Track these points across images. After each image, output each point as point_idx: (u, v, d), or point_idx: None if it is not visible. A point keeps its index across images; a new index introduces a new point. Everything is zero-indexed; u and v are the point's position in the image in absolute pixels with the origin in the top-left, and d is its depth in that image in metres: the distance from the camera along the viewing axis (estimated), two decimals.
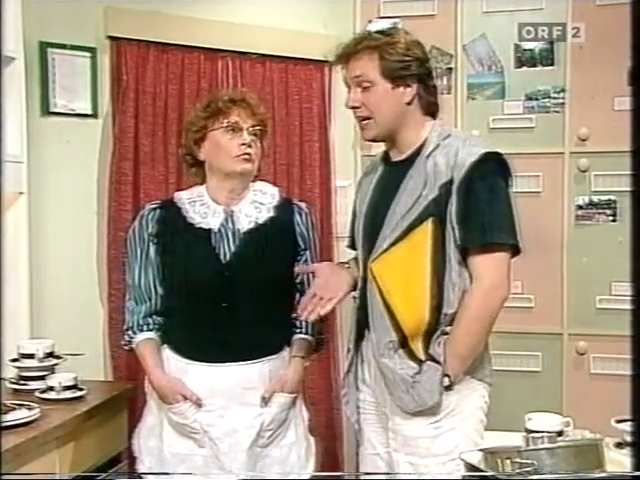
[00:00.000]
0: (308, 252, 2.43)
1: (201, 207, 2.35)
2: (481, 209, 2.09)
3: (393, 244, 2.14)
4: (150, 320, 2.37)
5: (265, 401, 2.31)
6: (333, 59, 2.26)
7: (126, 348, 2.44)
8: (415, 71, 2.17)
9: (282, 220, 2.39)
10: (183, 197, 2.39)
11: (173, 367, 2.32)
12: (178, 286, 2.32)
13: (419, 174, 2.15)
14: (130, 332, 2.38)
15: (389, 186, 2.22)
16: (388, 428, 2.22)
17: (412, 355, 2.13)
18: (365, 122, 2.22)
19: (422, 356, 2.13)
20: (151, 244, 2.35)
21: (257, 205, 2.37)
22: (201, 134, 2.33)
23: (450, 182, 2.09)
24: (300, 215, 2.43)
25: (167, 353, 2.34)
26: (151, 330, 2.37)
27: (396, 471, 2.18)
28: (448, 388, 2.12)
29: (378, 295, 2.16)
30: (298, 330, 2.41)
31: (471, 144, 2.14)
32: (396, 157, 2.26)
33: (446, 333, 2.13)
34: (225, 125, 2.30)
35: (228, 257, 2.30)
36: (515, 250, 2.14)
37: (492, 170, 2.12)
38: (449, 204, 2.09)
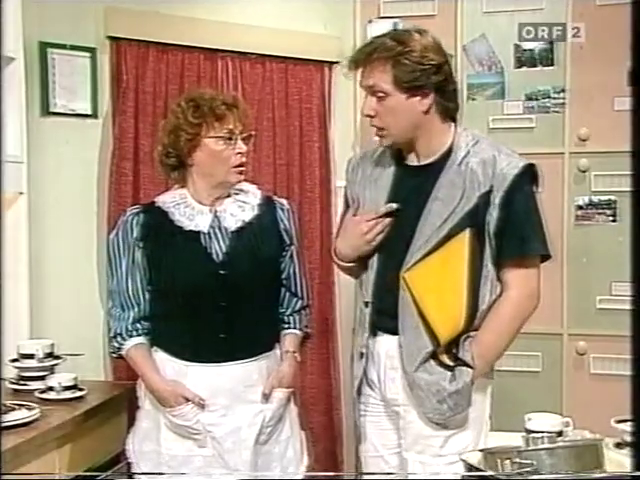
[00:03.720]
0: (293, 247, 2.44)
1: (186, 209, 2.32)
2: (520, 221, 2.12)
3: (428, 254, 2.12)
4: (139, 325, 2.34)
5: (266, 397, 2.32)
6: (346, 64, 2.20)
7: (114, 356, 2.41)
8: (431, 80, 2.10)
9: (266, 217, 2.39)
10: (167, 200, 2.35)
11: (170, 370, 2.30)
12: (172, 289, 2.29)
13: (453, 183, 2.12)
14: (119, 339, 2.34)
15: (413, 192, 2.18)
16: (399, 428, 2.21)
17: (442, 363, 2.13)
18: (380, 132, 2.19)
19: (450, 362, 2.13)
20: (137, 249, 2.31)
21: (240, 204, 2.36)
22: (194, 141, 2.27)
23: (488, 192, 2.09)
24: (282, 211, 2.43)
25: (161, 357, 2.33)
26: (140, 335, 2.34)
27: (406, 471, 2.18)
28: None
29: (412, 305, 2.13)
30: (287, 325, 2.44)
31: (507, 154, 2.15)
32: (414, 161, 2.22)
33: (469, 336, 2.14)
34: (222, 134, 2.27)
35: (221, 257, 2.30)
36: (545, 257, 2.19)
37: (530, 182, 2.16)
38: (487, 214, 2.10)
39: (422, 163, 2.20)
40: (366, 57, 2.13)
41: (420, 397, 2.14)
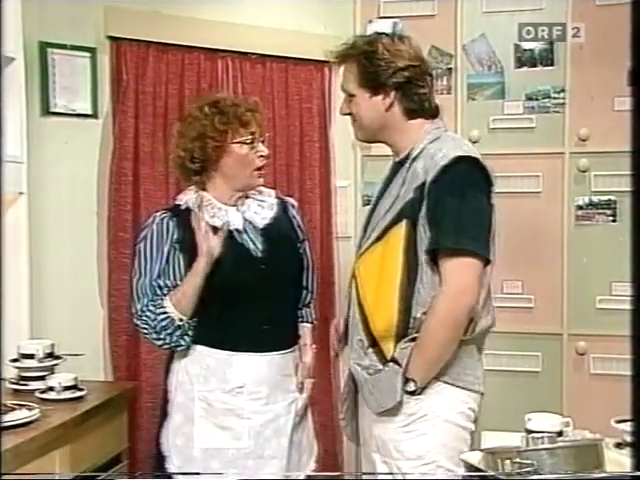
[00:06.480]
0: (306, 242, 2.56)
1: (213, 210, 2.35)
2: (448, 213, 2.05)
3: (372, 244, 2.17)
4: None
5: (301, 387, 2.43)
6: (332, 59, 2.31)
7: (138, 315, 2.33)
8: (390, 81, 2.17)
9: (283, 216, 2.49)
10: (193, 202, 2.37)
11: (213, 362, 2.33)
12: (215, 285, 2.29)
13: (402, 178, 2.17)
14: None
15: (386, 187, 2.26)
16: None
17: (382, 355, 2.13)
18: (354, 128, 2.29)
19: (388, 356, 2.12)
20: (175, 250, 2.32)
21: (260, 203, 2.44)
22: (222, 147, 2.33)
23: (424, 184, 2.09)
24: (293, 209, 2.55)
25: (201, 350, 2.34)
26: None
27: (376, 470, 2.18)
28: (414, 393, 2.10)
29: (355, 295, 2.19)
30: (300, 319, 2.54)
31: (450, 147, 2.11)
32: (396, 158, 2.29)
33: (416, 338, 2.11)
34: (246, 139, 2.34)
35: (259, 253, 2.36)
36: (486, 259, 2.10)
37: (464, 174, 2.08)
38: (422, 206, 2.08)
39: (396, 160, 2.27)
40: (336, 56, 2.25)
41: (359, 386, 2.20)
